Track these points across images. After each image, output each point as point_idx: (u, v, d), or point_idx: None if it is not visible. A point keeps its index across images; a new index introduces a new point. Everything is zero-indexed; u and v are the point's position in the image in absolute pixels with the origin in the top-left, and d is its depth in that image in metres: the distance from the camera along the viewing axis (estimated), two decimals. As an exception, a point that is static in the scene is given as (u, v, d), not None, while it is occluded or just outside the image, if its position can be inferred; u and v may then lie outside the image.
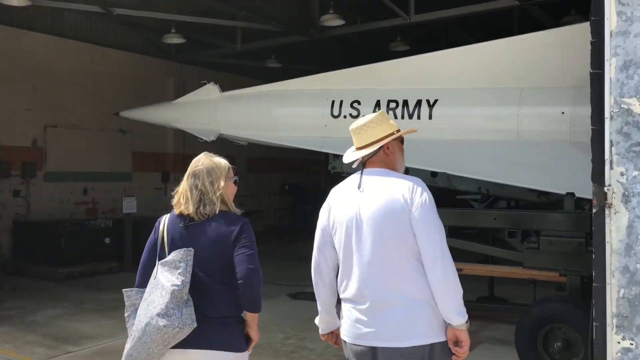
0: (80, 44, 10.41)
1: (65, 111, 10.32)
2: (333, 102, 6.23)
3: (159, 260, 2.54)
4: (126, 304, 2.58)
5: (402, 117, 5.83)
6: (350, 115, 6.10)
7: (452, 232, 5.08)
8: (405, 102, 5.83)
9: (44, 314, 6.70)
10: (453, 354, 2.41)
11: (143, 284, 2.57)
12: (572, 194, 4.47)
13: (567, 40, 4.92)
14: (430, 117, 5.70)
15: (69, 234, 9.06)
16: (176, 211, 2.71)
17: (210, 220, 2.62)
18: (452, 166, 5.62)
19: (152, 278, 2.52)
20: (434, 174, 5.91)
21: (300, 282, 8.42)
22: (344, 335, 2.51)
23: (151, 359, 2.41)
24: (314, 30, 9.82)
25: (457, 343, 2.38)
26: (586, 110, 4.98)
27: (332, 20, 9.19)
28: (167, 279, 2.42)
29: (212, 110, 7.20)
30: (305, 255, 10.79)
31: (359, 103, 6.09)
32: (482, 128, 5.49)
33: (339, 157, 6.49)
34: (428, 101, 5.72)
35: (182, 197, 2.72)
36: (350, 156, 2.70)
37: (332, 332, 2.67)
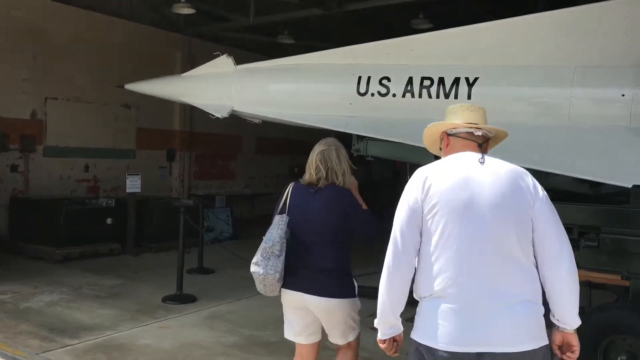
0: (83, 12, 9.81)
1: (67, 83, 9.77)
2: (360, 78, 5.66)
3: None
4: None
5: (438, 97, 5.27)
6: (379, 92, 5.55)
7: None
8: (442, 80, 5.25)
9: (39, 299, 6.23)
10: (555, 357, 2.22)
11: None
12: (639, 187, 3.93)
13: (634, 13, 4.34)
14: (469, 96, 5.11)
15: (68, 212, 8.57)
16: (304, 180, 3.40)
17: (329, 187, 3.26)
18: (493, 152, 5.07)
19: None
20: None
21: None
22: (429, 340, 2.14)
23: (260, 290, 3.19)
24: (334, 3, 9.21)
25: (562, 347, 2.21)
26: (649, 93, 4.63)
27: (354, -8, 8.56)
28: (266, 237, 3.13)
29: (225, 84, 6.64)
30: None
31: (388, 80, 5.52)
32: (528, 110, 4.93)
33: (364, 139, 5.97)
34: (467, 79, 5.14)
35: (311, 168, 3.41)
36: (461, 115, 2.47)
37: (392, 338, 2.30)
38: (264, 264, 3.05)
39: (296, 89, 6.10)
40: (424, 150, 5.51)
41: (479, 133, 2.39)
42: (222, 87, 6.67)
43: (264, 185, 13.76)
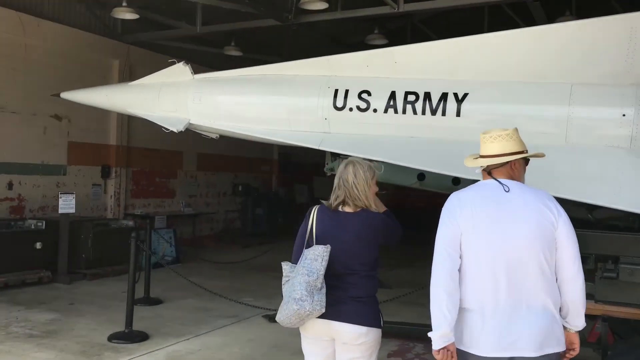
0: (10, 12, 8.82)
1: (-11, 90, 8.72)
2: (337, 91, 5.22)
3: (306, 246, 2.96)
4: (284, 274, 2.98)
5: (423, 113, 4.91)
6: (358, 107, 5.12)
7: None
8: (428, 95, 4.90)
9: (-43, 342, 5.28)
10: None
11: (295, 261, 2.98)
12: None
13: (637, 30, 4.14)
14: (458, 113, 4.79)
15: (-10, 236, 7.53)
16: (328, 203, 3.07)
17: (358, 214, 3.01)
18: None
19: (300, 260, 2.92)
20: (456, 181, 5.04)
21: (273, 299, 7.36)
22: (474, 349, 2.44)
23: (292, 325, 2.88)
24: (289, 14, 8.75)
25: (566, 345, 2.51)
26: (652, 113, 4.45)
27: (313, 3, 8.13)
28: (307, 269, 2.84)
29: (181, 95, 6.00)
30: (272, 265, 9.53)
31: (369, 94, 5.11)
32: (522, 130, 4.63)
33: (339, 157, 5.51)
34: (456, 95, 4.81)
35: (338, 189, 3.04)
36: (473, 161, 2.78)
37: (446, 347, 2.47)
38: (309, 300, 2.76)
39: (264, 102, 5.56)
40: (406, 170, 5.24)
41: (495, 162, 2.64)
42: (177, 98, 6.03)
43: (206, 204, 13.00)
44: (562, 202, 4.42)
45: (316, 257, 2.84)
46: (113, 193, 10.73)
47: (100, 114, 9.79)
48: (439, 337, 2.43)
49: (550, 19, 8.61)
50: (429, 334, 2.47)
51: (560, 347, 2.45)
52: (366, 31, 10.22)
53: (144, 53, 10.95)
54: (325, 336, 2.95)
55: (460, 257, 2.48)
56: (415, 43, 5.04)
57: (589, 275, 3.91)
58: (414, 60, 4.98)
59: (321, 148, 5.31)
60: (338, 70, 5.30)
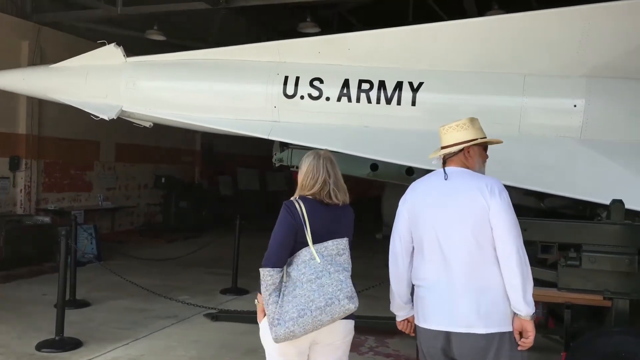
0: None
1: None
2: (286, 78, 4.99)
3: (297, 244, 2.73)
4: (267, 282, 2.66)
5: (378, 102, 4.80)
6: (310, 95, 4.93)
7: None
8: (382, 84, 4.79)
9: None
10: (518, 344, 2.55)
11: (281, 264, 2.69)
12: (621, 202, 3.77)
13: (590, 22, 4.23)
14: (413, 103, 4.73)
15: None
16: (308, 194, 2.83)
17: (346, 208, 2.91)
18: (436, 162, 4.69)
19: (302, 260, 2.68)
20: (410, 171, 4.97)
21: (210, 296, 7.04)
22: (421, 322, 2.67)
23: (306, 333, 2.62)
24: (220, -3, 8.36)
25: (522, 334, 2.54)
26: (602, 104, 4.58)
27: (248, -14, 7.79)
28: (340, 265, 2.70)
29: (112, 79, 5.53)
30: (204, 261, 9.19)
31: (321, 81, 4.92)
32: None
33: (288, 147, 5.29)
34: (411, 84, 4.74)
35: (317, 182, 2.82)
36: (433, 153, 2.91)
37: (407, 320, 2.82)
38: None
39: (208, 89, 5.22)
40: (359, 161, 5.11)
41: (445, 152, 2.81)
42: (108, 83, 5.54)
43: (125, 197, 12.29)
44: (515, 190, 4.53)
45: (340, 252, 2.72)
46: (23, 187, 9.85)
47: (6, 100, 8.95)
48: (395, 311, 2.85)
49: (480, 13, 8.80)
50: (391, 309, 2.87)
51: (499, 328, 2.52)
52: (297, 18, 10.00)
53: (57, 35, 10.13)
54: (309, 338, 2.71)
55: (410, 237, 2.73)
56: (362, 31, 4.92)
57: (553, 264, 3.98)
58: (368, 48, 4.85)
59: (270, 138, 5.06)
60: (288, 57, 5.06)
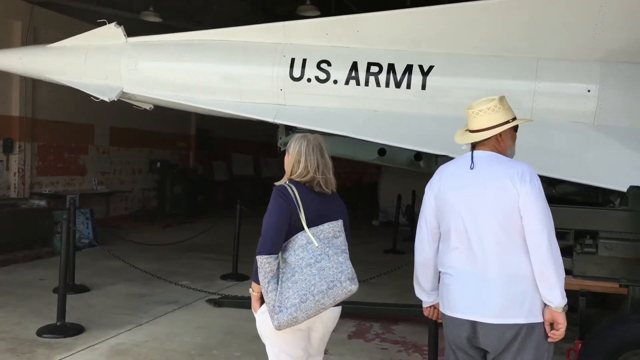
0: None
1: None
2: (293, 60, 4.88)
3: (291, 230, 2.66)
4: (266, 270, 2.60)
5: (387, 85, 4.70)
6: (317, 78, 4.82)
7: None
8: (392, 67, 4.69)
9: None
10: (548, 336, 2.49)
11: (277, 250, 2.63)
12: (638, 188, 3.72)
13: (606, 5, 4.14)
14: (423, 87, 4.63)
15: None
16: (300, 180, 2.77)
17: (336, 196, 2.88)
18: (446, 147, 4.62)
19: (299, 245, 2.63)
20: (418, 157, 4.89)
21: (211, 281, 6.97)
22: (447, 309, 2.59)
23: (309, 317, 2.58)
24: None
25: (552, 325, 2.47)
26: (617, 89, 4.51)
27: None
28: (338, 247, 2.65)
29: (113, 60, 5.38)
30: (202, 246, 9.10)
31: (328, 64, 4.81)
32: (488, 104, 4.55)
33: (294, 130, 5.18)
34: (421, 67, 4.64)
35: (307, 171, 2.77)
36: (462, 137, 2.74)
37: (433, 306, 2.77)
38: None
39: (212, 71, 5.09)
40: (366, 145, 5.02)
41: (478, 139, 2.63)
42: (108, 64, 5.40)
43: (120, 182, 12.15)
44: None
45: (336, 234, 2.66)
46: (17, 170, 9.70)
47: None
48: (421, 298, 2.79)
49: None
50: (417, 294, 2.80)
51: (527, 319, 2.43)
52: (297, 1, 9.84)
53: (50, 15, 9.94)
54: (308, 323, 2.66)
55: (437, 223, 2.65)
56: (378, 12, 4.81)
57: (569, 250, 3.93)
58: (378, 30, 4.73)
59: (276, 121, 4.96)
60: (294, 38, 4.94)
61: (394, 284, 6.67)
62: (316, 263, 2.57)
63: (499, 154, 2.63)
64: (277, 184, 2.81)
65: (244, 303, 5.90)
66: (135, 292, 6.28)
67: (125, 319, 5.29)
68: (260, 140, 15.87)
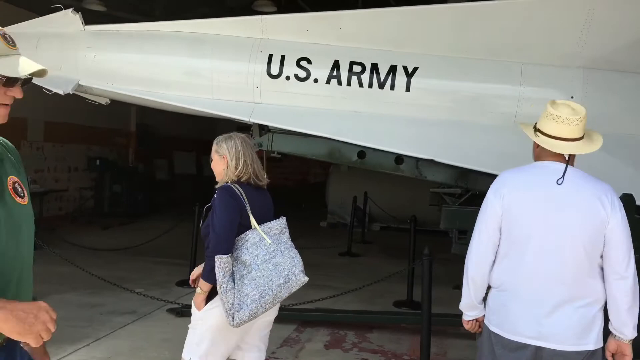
0: None
1: None
2: (271, 56, 4.66)
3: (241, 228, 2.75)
4: (225, 269, 2.67)
5: (370, 86, 4.58)
6: (297, 76, 4.63)
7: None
8: (375, 67, 4.57)
9: None
10: None
11: (231, 249, 2.71)
12: (631, 195, 3.74)
13: (591, 13, 4.16)
14: (407, 88, 4.53)
15: None
16: (242, 179, 2.86)
17: (265, 188, 2.99)
18: (429, 151, 4.53)
19: (252, 243, 2.73)
20: (399, 160, 4.78)
21: (166, 289, 6.57)
22: (503, 330, 2.42)
23: (268, 310, 2.73)
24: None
25: (614, 356, 2.41)
26: (599, 96, 4.55)
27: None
28: (286, 243, 2.82)
29: (69, 50, 4.97)
30: (146, 250, 8.54)
31: (308, 62, 4.62)
32: (473, 108, 4.50)
33: (269, 131, 4.95)
34: (405, 68, 4.54)
35: (247, 166, 2.86)
36: (558, 145, 2.42)
37: (476, 319, 2.59)
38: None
39: (181, 65, 4.78)
40: (347, 148, 4.86)
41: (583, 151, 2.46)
42: (63, 53, 4.97)
43: (54, 180, 11.37)
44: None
45: (282, 230, 2.82)
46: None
47: None
48: (466, 311, 2.56)
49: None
50: (460, 306, 2.58)
51: (594, 346, 2.34)
52: (254, -4, 9.55)
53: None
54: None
55: (499, 236, 2.43)
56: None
57: None
58: (361, 28, 4.58)
59: (252, 120, 4.71)
60: (272, 33, 4.71)
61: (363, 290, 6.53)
62: (271, 259, 2.71)
63: (579, 170, 2.45)
64: (218, 185, 2.88)
65: (207, 311, 5.61)
66: (87, 302, 5.81)
67: (81, 333, 4.85)
68: (203, 138, 15.35)
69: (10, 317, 1.40)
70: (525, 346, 2.36)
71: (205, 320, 2.78)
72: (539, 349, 2.34)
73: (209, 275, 2.72)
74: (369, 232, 11.33)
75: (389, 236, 11.43)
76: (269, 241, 2.73)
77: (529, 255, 2.36)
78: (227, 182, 2.84)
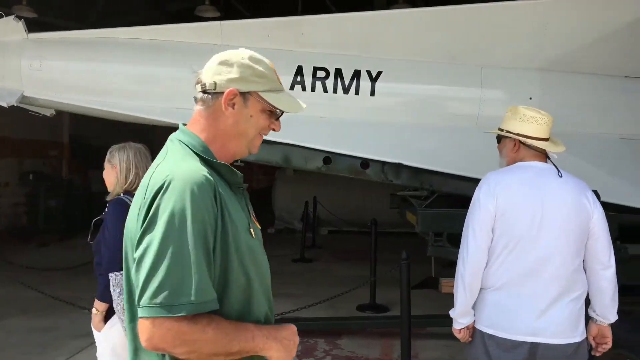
0: None
1: None
2: (231, 63, 4.51)
3: None
4: (120, 287, 2.55)
5: (335, 91, 4.54)
6: (259, 83, 4.49)
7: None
8: (339, 72, 4.53)
9: None
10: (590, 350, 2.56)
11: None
12: (596, 192, 3.85)
13: (548, 16, 4.30)
14: (372, 93, 4.52)
15: None
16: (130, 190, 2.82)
17: None
18: (394, 154, 4.54)
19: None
20: (365, 165, 4.76)
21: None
22: (495, 330, 2.42)
23: None
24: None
25: (595, 339, 2.56)
26: (554, 98, 4.69)
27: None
28: None
29: (11, 58, 4.64)
30: (88, 267, 8.07)
31: (271, 68, 4.51)
32: (436, 111, 4.56)
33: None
34: (369, 73, 4.53)
35: (138, 177, 2.79)
36: (553, 145, 2.61)
37: (467, 327, 2.56)
38: None
39: (137, 73, 4.58)
40: (312, 154, 4.80)
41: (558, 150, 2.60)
42: (6, 63, 4.64)
43: (-16, 198, 10.69)
44: (473, 182, 4.51)
45: None
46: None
47: None
48: (464, 317, 2.52)
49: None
50: (450, 313, 2.56)
51: (582, 336, 2.46)
52: (193, 1, 9.31)
53: None
54: None
55: (492, 237, 2.45)
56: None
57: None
58: (324, 33, 4.53)
59: (214, 129, 4.55)
60: (232, 39, 4.57)
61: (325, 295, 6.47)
62: None
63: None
64: (109, 197, 2.84)
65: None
66: (37, 326, 5.45)
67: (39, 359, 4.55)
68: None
69: (280, 347, 1.47)
70: (521, 344, 2.38)
71: (108, 340, 2.75)
72: (533, 345, 2.37)
73: (103, 294, 2.68)
74: (318, 237, 11.32)
75: (338, 240, 11.47)
76: None
77: (526, 253, 2.39)
78: (119, 194, 2.80)
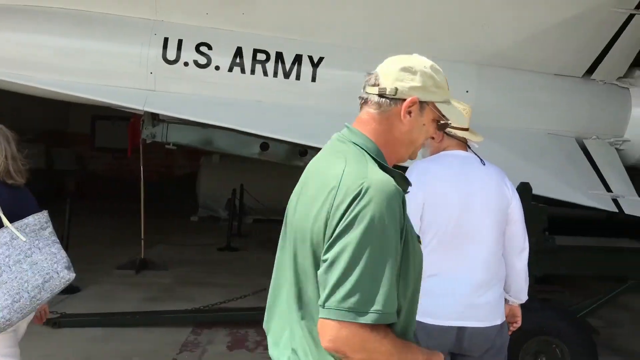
0: None
1: None
2: (167, 40, 4.31)
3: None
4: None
5: (275, 75, 4.41)
6: (196, 62, 4.33)
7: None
8: (280, 56, 4.41)
9: None
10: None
11: None
12: (528, 184, 4.01)
13: (487, 9, 4.39)
14: (313, 79, 4.44)
15: None
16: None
17: (24, 188, 2.78)
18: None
19: (2, 242, 2.52)
20: (303, 152, 4.69)
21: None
22: (427, 317, 2.41)
23: (27, 315, 2.57)
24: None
25: (508, 317, 2.68)
26: (492, 92, 4.79)
27: None
28: (46, 238, 2.63)
29: None
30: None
31: (209, 47, 4.35)
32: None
33: (162, 121, 4.59)
34: (311, 58, 4.44)
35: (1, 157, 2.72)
36: (474, 135, 2.69)
37: None
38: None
39: (66, 46, 4.27)
40: (248, 139, 4.66)
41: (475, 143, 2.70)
42: None
43: None
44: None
45: (43, 226, 2.64)
46: None
47: None
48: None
49: None
50: None
51: (502, 318, 2.59)
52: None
53: None
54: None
55: (420, 224, 2.48)
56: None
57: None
58: (266, 15, 4.39)
59: (146, 109, 4.34)
60: (168, 15, 4.35)
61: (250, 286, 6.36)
62: (26, 258, 2.52)
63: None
64: None
65: (89, 321, 5.10)
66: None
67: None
68: (52, 129, 14.15)
69: None
70: (448, 329, 2.44)
71: None
72: (460, 329, 2.44)
73: None
74: (244, 225, 11.14)
75: (263, 229, 11.33)
76: (24, 239, 2.54)
77: (455, 240, 2.47)
78: None
